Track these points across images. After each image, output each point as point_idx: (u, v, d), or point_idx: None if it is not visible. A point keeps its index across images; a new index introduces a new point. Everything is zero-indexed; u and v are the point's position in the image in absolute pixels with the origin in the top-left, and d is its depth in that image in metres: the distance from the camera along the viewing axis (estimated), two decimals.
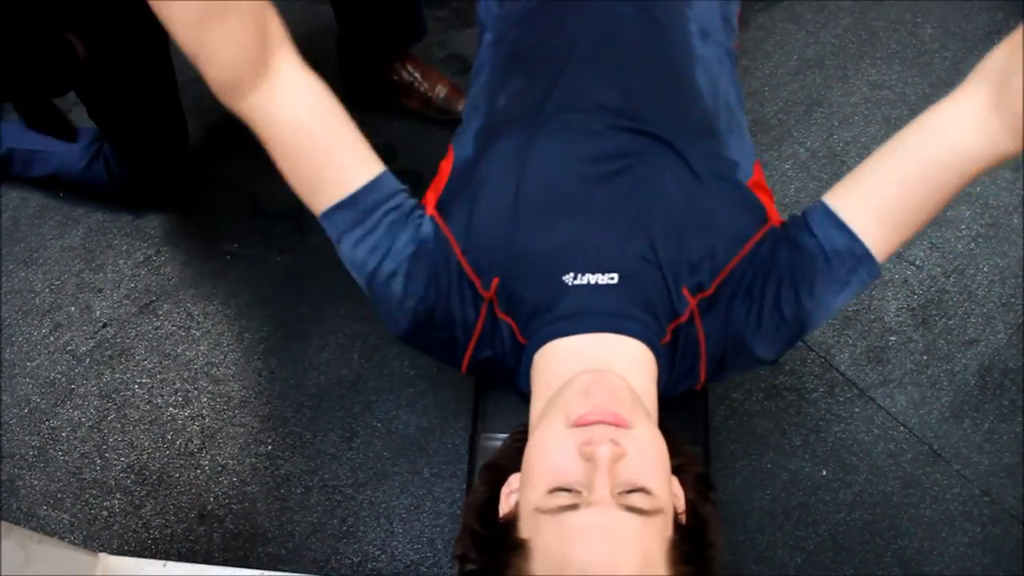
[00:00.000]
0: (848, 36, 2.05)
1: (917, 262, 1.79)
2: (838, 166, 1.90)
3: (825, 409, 1.65)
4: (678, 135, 1.00)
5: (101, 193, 1.84)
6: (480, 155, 1.02)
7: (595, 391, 0.83)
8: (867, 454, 1.61)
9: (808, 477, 1.60)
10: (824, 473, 1.60)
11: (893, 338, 1.72)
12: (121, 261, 1.82)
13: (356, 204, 0.94)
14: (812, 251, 0.92)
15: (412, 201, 0.99)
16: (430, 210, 0.99)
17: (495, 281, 0.94)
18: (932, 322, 1.73)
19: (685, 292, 0.93)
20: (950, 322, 1.73)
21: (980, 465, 1.60)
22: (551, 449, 0.81)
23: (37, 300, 1.80)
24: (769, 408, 1.65)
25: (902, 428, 1.64)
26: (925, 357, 1.70)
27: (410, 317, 0.97)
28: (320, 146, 0.93)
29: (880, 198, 0.90)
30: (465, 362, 1.00)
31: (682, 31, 1.12)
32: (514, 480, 0.87)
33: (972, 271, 1.78)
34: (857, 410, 1.65)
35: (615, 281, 0.93)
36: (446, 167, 1.08)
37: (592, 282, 0.93)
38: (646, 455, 0.80)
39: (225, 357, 1.72)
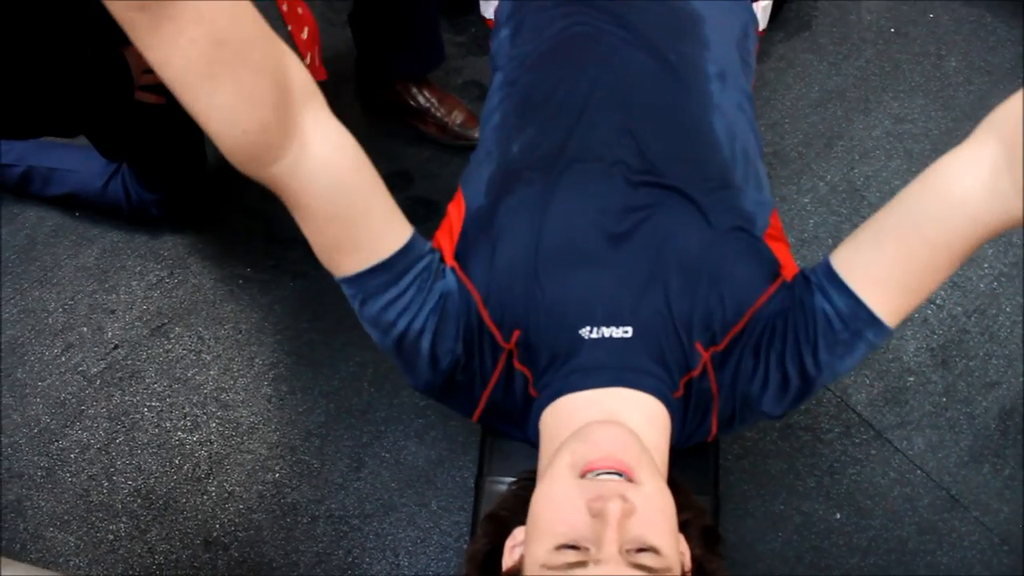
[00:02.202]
0: (871, 68, 2.03)
1: (937, 300, 1.76)
2: (858, 201, 1.88)
3: (840, 450, 1.62)
4: (695, 187, 0.99)
5: (117, 213, 1.84)
6: (496, 204, 1.00)
7: (603, 440, 0.82)
8: (883, 498, 1.58)
9: (822, 520, 1.57)
10: (838, 516, 1.57)
11: (912, 379, 1.68)
12: (134, 282, 1.82)
13: (391, 267, 0.90)
14: (816, 313, 0.89)
15: (438, 255, 0.97)
16: (449, 260, 0.97)
17: (516, 333, 0.93)
18: (952, 363, 1.70)
19: (698, 346, 0.92)
20: (971, 363, 1.70)
21: (1000, 512, 1.56)
22: (559, 503, 0.79)
23: (50, 320, 1.81)
24: (783, 448, 1.62)
25: (919, 472, 1.60)
26: (944, 399, 1.66)
27: (436, 372, 0.95)
28: (358, 211, 0.86)
29: (881, 261, 0.86)
30: (478, 412, 0.99)
31: (700, 77, 1.10)
32: (519, 533, 0.85)
33: (994, 311, 1.75)
34: (873, 452, 1.62)
35: (629, 335, 0.91)
36: (456, 212, 1.06)
37: (607, 335, 0.91)
38: (656, 512, 0.78)
39: (235, 382, 1.71)
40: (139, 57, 1.50)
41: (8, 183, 1.89)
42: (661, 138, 1.03)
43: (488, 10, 1.40)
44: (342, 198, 0.84)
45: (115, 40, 1.47)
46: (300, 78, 0.81)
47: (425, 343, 0.93)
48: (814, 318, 0.89)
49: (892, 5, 2.10)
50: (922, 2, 2.12)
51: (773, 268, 0.96)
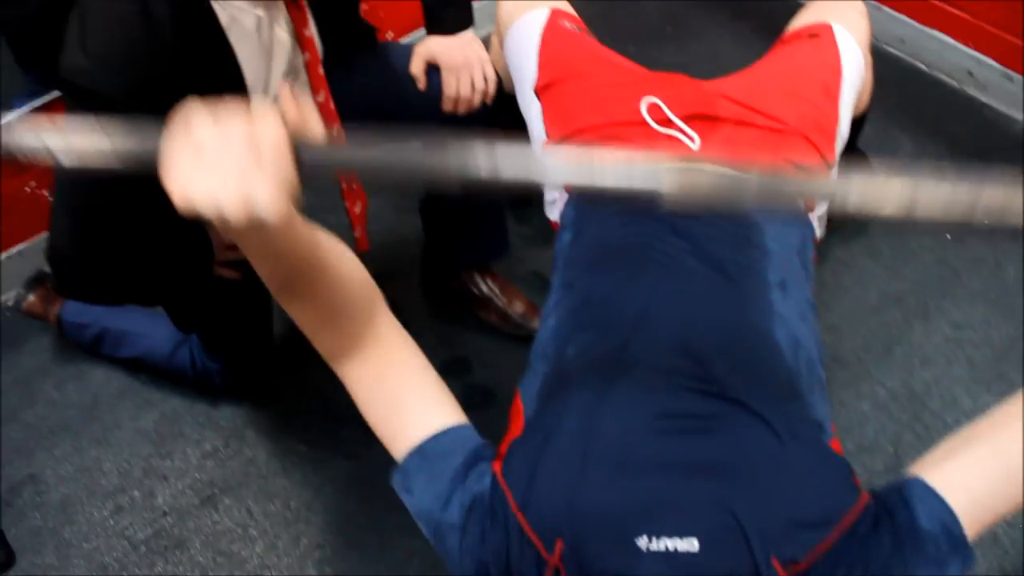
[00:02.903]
0: (929, 274, 2.04)
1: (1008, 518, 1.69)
2: (919, 408, 1.84)
3: None
4: (759, 398, 0.98)
5: (182, 379, 1.89)
6: (546, 407, 1.01)
7: None
8: None
9: None
10: None
11: None
12: (190, 450, 1.84)
13: (424, 454, 0.94)
14: (912, 534, 0.86)
15: (485, 452, 0.97)
16: (496, 464, 0.97)
17: (559, 545, 0.90)
18: None
19: (775, 563, 0.87)
20: None
21: None
22: None
23: (104, 481, 1.82)
24: None
25: None
26: None
27: (469, 574, 0.94)
28: (396, 397, 0.96)
29: (978, 480, 0.87)
30: None
31: (760, 286, 1.12)
32: None
33: None
34: None
35: (696, 548, 0.87)
36: (516, 420, 1.07)
37: (671, 548, 0.88)
38: None
39: (279, 560, 1.69)
40: (221, 235, 1.57)
41: (83, 342, 1.96)
42: (722, 349, 1.03)
43: (552, 212, 1.45)
44: (386, 385, 0.96)
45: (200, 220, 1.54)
46: (381, 308, 0.97)
47: (453, 541, 0.92)
48: (912, 539, 0.87)
49: None
50: None
51: (852, 481, 0.94)
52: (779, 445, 0.94)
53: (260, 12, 1.26)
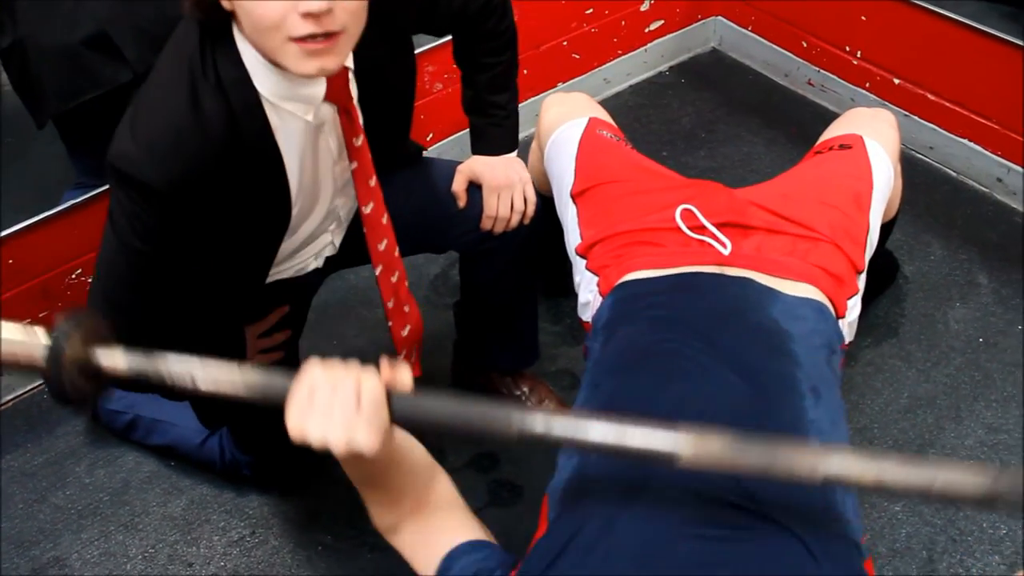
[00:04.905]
0: (961, 376, 2.03)
1: None
2: (953, 512, 1.81)
3: None
4: (793, 514, 0.97)
5: (210, 469, 1.90)
6: (568, 513, 1.01)
7: None
8: None
9: None
10: None
11: None
12: (216, 538, 1.84)
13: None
14: None
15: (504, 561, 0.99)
16: (513, 571, 0.97)
17: None
18: None
19: None
20: None
21: None
22: None
23: (128, 566, 1.81)
24: None
25: None
26: None
27: None
28: (436, 546, 1.05)
29: None
30: None
31: (792, 394, 1.12)
32: None
33: None
34: None
35: None
36: (543, 522, 1.07)
37: None
38: None
39: None
40: (254, 335, 1.60)
41: (116, 427, 1.98)
42: None
43: (585, 314, 1.47)
44: (428, 546, 1.06)
45: (238, 319, 1.57)
46: (443, 490, 1.09)
47: None
48: None
49: (980, 316, 2.14)
50: (1010, 314, 2.15)
51: None
52: (813, 563, 0.93)
53: (309, 117, 1.27)
